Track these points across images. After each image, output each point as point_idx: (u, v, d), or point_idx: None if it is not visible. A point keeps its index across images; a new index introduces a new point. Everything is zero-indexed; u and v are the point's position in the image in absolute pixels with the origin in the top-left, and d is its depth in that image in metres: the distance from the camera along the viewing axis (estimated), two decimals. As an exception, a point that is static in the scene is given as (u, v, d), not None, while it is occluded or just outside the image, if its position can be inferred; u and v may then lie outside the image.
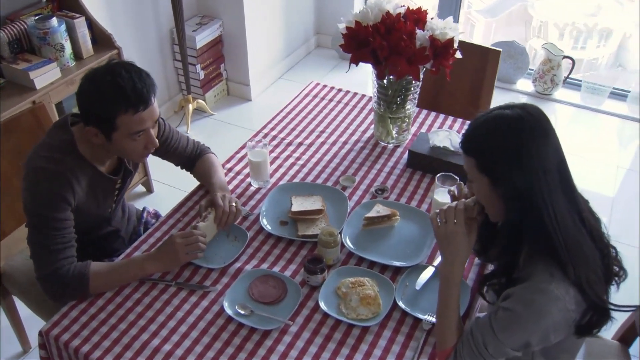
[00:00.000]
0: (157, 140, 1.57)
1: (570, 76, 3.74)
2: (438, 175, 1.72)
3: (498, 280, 1.31)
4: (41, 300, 1.88)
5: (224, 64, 3.73)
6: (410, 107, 2.02)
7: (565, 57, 3.63)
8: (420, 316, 1.48)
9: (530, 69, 3.86)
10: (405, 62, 1.77)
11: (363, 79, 4.13)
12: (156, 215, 2.07)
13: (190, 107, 3.46)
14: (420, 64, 1.78)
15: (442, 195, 1.69)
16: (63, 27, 2.33)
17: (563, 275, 1.18)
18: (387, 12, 1.82)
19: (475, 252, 1.47)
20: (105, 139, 1.51)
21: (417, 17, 1.83)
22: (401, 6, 1.87)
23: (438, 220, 1.36)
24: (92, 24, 2.49)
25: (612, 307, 1.22)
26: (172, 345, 1.43)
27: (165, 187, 3.09)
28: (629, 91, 3.65)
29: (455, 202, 1.37)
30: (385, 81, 1.92)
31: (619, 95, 3.71)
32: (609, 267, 1.25)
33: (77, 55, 2.45)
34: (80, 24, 2.39)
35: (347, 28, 1.82)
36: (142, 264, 1.58)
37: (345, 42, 1.84)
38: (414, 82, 1.93)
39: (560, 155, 1.20)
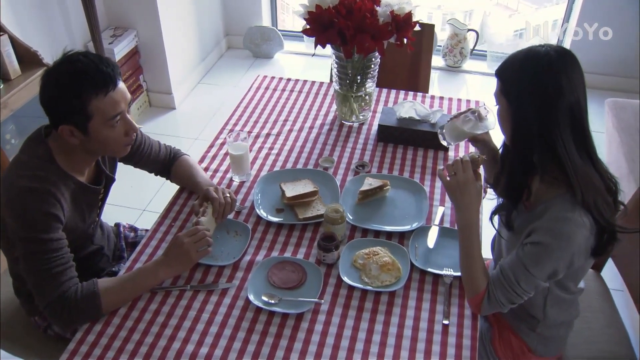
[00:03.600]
0: (136, 125, 1.50)
1: (475, 48, 4.01)
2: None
3: (507, 207, 1.42)
4: (21, 337, 1.74)
5: (143, 75, 3.59)
6: (371, 85, 2.09)
7: (469, 30, 3.89)
8: (439, 272, 1.55)
9: (438, 45, 4.09)
10: (371, 38, 1.83)
11: (279, 70, 4.17)
12: (132, 229, 1.98)
13: (117, 122, 3.29)
14: (385, 39, 1.85)
15: (467, 123, 1.66)
16: (-14, 47, 2.15)
17: (581, 202, 1.29)
18: (344, -7, 1.87)
19: (490, 185, 1.56)
20: (83, 135, 1.41)
21: (371, -4, 1.90)
22: (352, -13, 1.93)
23: (446, 173, 1.44)
24: (14, 42, 2.31)
25: (618, 229, 1.35)
26: (208, 347, 1.38)
27: (112, 207, 2.92)
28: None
29: (460, 156, 1.46)
30: (344, 61, 1.97)
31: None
32: (615, 199, 1.37)
33: (5, 76, 2.26)
34: (4, 42, 2.21)
35: (310, 13, 1.85)
36: (154, 271, 1.50)
37: (310, 27, 1.87)
38: (373, 59, 2.00)
39: (576, 98, 1.27)
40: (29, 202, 1.38)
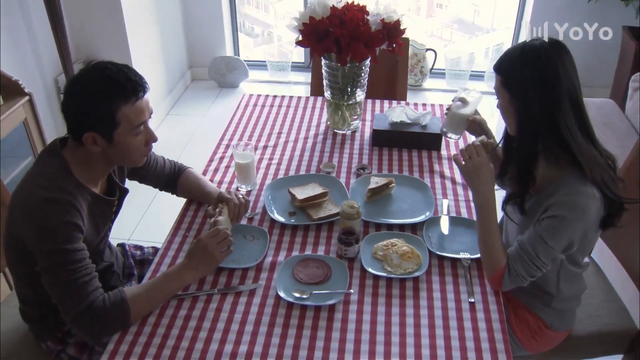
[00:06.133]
0: (156, 134, 1.52)
1: (434, 66, 4.21)
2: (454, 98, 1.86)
3: (519, 193, 1.50)
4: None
5: (113, 107, 3.56)
6: (361, 94, 2.17)
7: (428, 49, 4.09)
8: (457, 256, 1.62)
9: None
10: (364, 45, 1.92)
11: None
12: (138, 247, 1.96)
13: (91, 155, 3.24)
14: (377, 45, 1.95)
15: (458, 108, 1.84)
16: (-30, 77, 2.11)
17: (591, 179, 1.39)
18: (333, 6, 1.97)
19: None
20: (106, 143, 1.42)
21: (358, 7, 2.01)
22: (339, 1, 2.03)
23: (461, 158, 1.53)
24: (-5, 72, 2.27)
25: (625, 200, 1.46)
26: (247, 345, 1.38)
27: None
28: (484, 71, 4.23)
29: (472, 140, 1.55)
30: (335, 70, 2.05)
31: (477, 76, 4.28)
32: (615, 174, 1.48)
33: (-12, 106, 2.22)
34: (-13, 71, 2.18)
35: (305, 24, 1.93)
36: (179, 274, 1.50)
37: (304, 38, 1.95)
38: (363, 68, 2.09)
39: (572, 83, 1.38)
40: (50, 212, 1.36)
